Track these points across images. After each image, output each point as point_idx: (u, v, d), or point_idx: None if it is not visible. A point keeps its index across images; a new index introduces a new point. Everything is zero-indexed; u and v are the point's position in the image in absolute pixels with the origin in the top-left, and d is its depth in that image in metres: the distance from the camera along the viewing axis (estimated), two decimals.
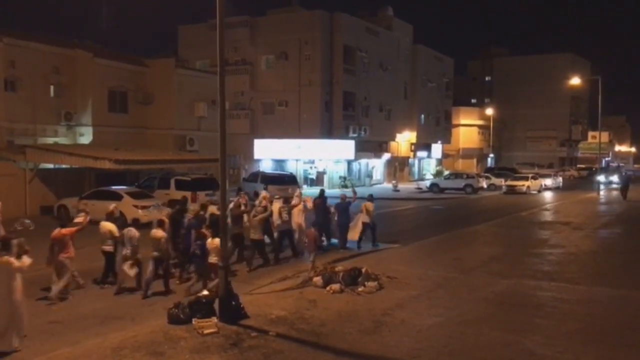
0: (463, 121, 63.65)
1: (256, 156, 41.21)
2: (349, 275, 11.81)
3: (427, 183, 43.65)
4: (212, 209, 14.11)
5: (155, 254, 11.41)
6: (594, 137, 70.43)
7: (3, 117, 23.20)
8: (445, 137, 58.88)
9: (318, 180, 40.27)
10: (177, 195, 22.69)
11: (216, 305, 9.48)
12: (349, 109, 41.88)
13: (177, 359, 7.80)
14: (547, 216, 26.48)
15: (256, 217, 13.98)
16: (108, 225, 12.22)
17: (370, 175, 45.80)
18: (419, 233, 19.95)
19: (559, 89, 65.84)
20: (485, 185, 42.44)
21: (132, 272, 11.46)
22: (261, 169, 36.83)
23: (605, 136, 69.83)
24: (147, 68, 30.74)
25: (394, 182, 43.59)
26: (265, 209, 14.33)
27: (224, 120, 10.02)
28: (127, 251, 11.57)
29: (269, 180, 29.25)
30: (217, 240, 10.65)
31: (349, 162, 42.93)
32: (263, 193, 16.18)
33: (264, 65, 42.49)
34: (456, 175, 44.08)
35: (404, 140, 50.98)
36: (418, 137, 52.54)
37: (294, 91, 40.67)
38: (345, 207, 16.41)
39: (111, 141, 26.57)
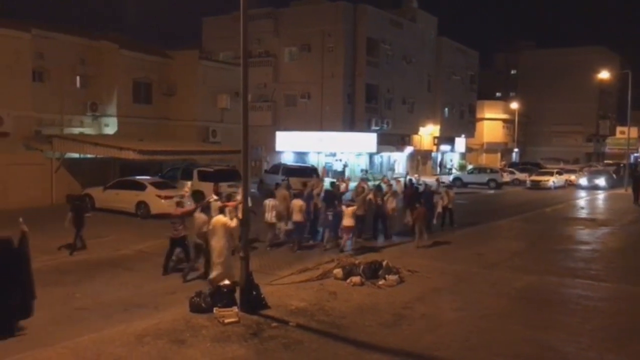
0: (487, 115, 62.79)
1: (278, 148, 41.30)
2: (369, 268, 11.80)
3: (450, 177, 43.24)
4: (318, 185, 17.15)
5: (297, 219, 14.83)
6: (622, 132, 68.82)
7: (31, 108, 23.57)
8: (469, 131, 58.22)
9: (342, 173, 40.20)
10: (200, 186, 22.92)
11: (237, 294, 9.58)
12: (371, 101, 41.65)
13: (199, 347, 7.89)
14: (572, 212, 26.05)
15: (359, 197, 16.10)
16: (270, 202, 15.18)
17: (392, 169, 45.56)
18: (441, 227, 19.73)
19: (586, 83, 64.45)
20: (509, 180, 41.89)
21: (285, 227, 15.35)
22: (283, 161, 36.91)
23: (634, 131, 68.02)
24: (172, 60, 30.93)
25: (416, 175, 43.27)
26: (363, 189, 16.70)
27: (246, 112, 10.06)
28: (269, 217, 15.01)
29: (291, 172, 29.29)
30: (350, 208, 14.60)
31: (371, 156, 42.76)
32: (361, 182, 18.76)
33: (287, 57, 42.46)
34: (480, 169, 43.57)
35: (427, 133, 50.55)
36: (441, 130, 52.04)
37: (317, 83, 40.59)
38: (429, 195, 18.51)
39: (135, 132, 26.84)
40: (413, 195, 18.18)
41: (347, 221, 14.56)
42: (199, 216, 12.16)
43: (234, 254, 11.69)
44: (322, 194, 16.75)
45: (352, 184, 20.43)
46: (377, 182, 21.01)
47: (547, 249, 16.23)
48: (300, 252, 14.84)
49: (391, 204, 17.20)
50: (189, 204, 13.03)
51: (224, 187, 21.68)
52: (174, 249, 12.56)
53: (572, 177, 43.30)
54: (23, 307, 8.60)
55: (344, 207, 14.85)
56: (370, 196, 16.69)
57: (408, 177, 21.05)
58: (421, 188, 19.97)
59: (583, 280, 12.28)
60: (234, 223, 11.07)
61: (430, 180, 25.51)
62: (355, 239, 15.25)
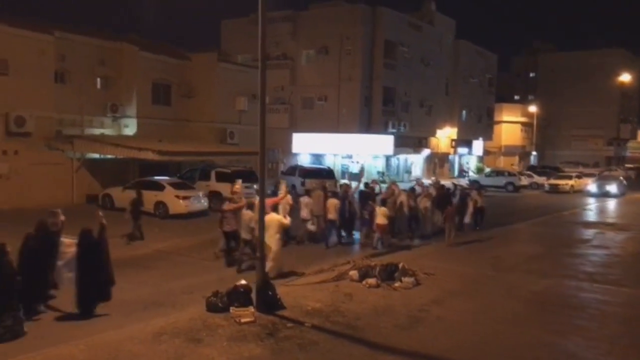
0: (506, 118, 62.25)
1: (294, 150, 41.38)
2: (385, 270, 11.81)
3: (467, 180, 42.96)
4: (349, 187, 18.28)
5: (332, 217, 15.96)
6: None
7: (53, 108, 23.95)
8: (487, 134, 57.77)
9: (360, 174, 40.11)
10: (217, 186, 23.18)
11: (253, 295, 9.65)
12: (388, 104, 41.55)
13: (215, 346, 7.98)
14: (591, 216, 25.75)
15: (390, 199, 16.85)
16: (305, 199, 16.54)
17: (409, 171, 45.41)
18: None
19: (607, 86, 63.60)
20: (527, 184, 41.51)
21: (313, 227, 16.43)
22: (299, 163, 36.99)
23: None
24: (190, 62, 31.23)
25: (433, 178, 43.07)
26: (394, 192, 17.56)
27: (264, 114, 10.15)
28: (305, 213, 16.25)
29: (307, 174, 29.39)
30: (383, 209, 15.67)
31: (388, 158, 42.65)
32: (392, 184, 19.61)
33: (304, 60, 42.56)
34: (497, 172, 43.24)
35: (445, 136, 50.30)
36: (459, 133, 51.73)
37: (334, 86, 40.62)
38: (464, 196, 19.27)
39: (154, 133, 27.13)
40: (443, 196, 18.80)
41: (380, 219, 15.52)
42: (246, 213, 13.10)
43: (285, 246, 13.22)
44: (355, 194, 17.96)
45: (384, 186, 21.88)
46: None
47: (565, 253, 16.07)
48: (335, 248, 15.81)
49: (424, 203, 18.07)
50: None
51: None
52: (230, 242, 13.53)
53: (591, 180, 42.69)
54: (104, 291, 9.58)
55: (376, 207, 15.87)
56: (402, 198, 17.38)
57: (434, 179, 21.74)
58: (451, 189, 20.66)
59: (602, 285, 12.15)
60: (287, 220, 12.66)
61: (460, 182, 25.81)
62: (386, 237, 15.92)
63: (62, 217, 10.05)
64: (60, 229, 9.89)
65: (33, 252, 9.17)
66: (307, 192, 17.07)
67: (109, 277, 9.68)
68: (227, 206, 13.69)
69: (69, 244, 9.81)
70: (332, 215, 16.02)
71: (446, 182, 25.70)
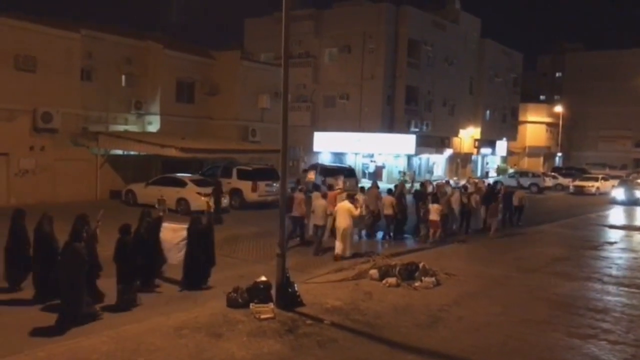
0: (530, 118, 61.38)
1: (315, 148, 41.37)
2: (405, 269, 11.75)
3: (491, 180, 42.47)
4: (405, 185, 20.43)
5: (388, 212, 17.07)
6: None
7: (79, 105, 24.30)
8: (511, 134, 57.03)
9: (377, 174, 40.02)
10: (239, 184, 23.31)
11: (273, 291, 9.68)
12: (411, 103, 41.30)
13: (235, 341, 8.02)
14: (617, 219, 25.22)
15: (443, 198, 18.22)
16: (361, 196, 17.26)
17: (430, 171, 45.08)
18: (480, 231, 19.45)
19: (636, 86, 62.16)
20: (551, 185, 40.87)
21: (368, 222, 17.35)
22: (320, 161, 36.99)
23: None
24: (214, 60, 31.41)
25: (455, 178, 42.72)
26: (446, 192, 19.39)
27: (286, 112, 10.17)
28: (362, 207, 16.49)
29: (328, 172, 29.33)
30: (436, 205, 16.49)
31: (409, 157, 42.39)
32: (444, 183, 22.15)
33: (327, 58, 42.52)
34: (521, 173, 42.68)
35: (468, 136, 49.80)
36: (482, 133, 51.17)
37: (356, 84, 40.52)
38: (509, 195, 20.79)
39: (178, 130, 27.36)
40: (489, 194, 20.07)
41: (433, 216, 16.53)
42: (321, 202, 14.72)
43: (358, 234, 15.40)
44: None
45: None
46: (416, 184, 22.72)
47: (590, 255, 15.79)
48: (394, 242, 16.86)
49: (475, 199, 19.25)
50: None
51: (261, 185, 22.39)
52: (296, 227, 15.54)
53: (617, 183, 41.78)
54: (208, 270, 11.12)
55: (430, 205, 16.82)
56: (456, 195, 18.62)
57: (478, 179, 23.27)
58: (497, 188, 21.59)
59: (628, 288, 11.90)
60: (357, 211, 14.20)
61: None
62: (439, 232, 16.81)
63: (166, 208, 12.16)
64: (163, 215, 11.72)
65: (142, 237, 10.60)
66: (363, 190, 18.27)
67: (212, 259, 11.14)
68: (298, 194, 15.63)
69: (177, 228, 11.27)
70: (388, 210, 17.12)
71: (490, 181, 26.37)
